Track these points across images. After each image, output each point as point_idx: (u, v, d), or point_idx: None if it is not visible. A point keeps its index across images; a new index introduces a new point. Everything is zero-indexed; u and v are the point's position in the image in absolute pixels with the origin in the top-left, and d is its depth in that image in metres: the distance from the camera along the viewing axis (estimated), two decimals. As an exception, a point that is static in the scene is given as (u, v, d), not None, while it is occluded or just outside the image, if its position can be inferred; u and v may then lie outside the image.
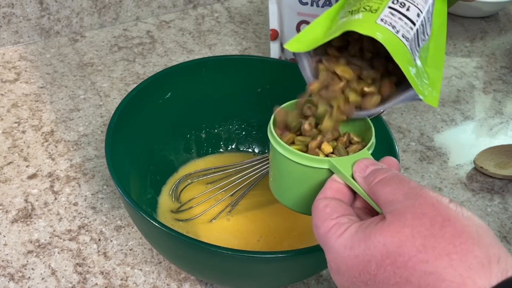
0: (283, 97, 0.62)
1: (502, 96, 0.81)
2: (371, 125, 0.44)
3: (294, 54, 0.46)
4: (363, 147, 0.42)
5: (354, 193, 0.39)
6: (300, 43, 0.44)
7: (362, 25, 0.39)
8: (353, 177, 0.38)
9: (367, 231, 0.33)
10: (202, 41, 0.84)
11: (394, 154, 0.51)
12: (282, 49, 0.73)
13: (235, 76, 0.61)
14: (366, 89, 0.43)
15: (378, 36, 0.39)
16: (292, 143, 0.43)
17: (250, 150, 0.65)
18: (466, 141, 0.73)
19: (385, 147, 0.53)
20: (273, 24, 0.71)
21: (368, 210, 0.38)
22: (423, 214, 0.32)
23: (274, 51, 0.74)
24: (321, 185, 0.39)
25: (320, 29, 0.45)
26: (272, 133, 0.43)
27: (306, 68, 0.46)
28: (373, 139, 0.43)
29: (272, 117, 0.45)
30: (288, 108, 0.46)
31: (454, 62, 0.86)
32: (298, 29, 0.69)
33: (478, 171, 0.68)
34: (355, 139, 0.44)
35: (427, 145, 0.71)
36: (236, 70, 0.61)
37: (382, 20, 0.39)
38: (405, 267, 0.31)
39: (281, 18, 0.70)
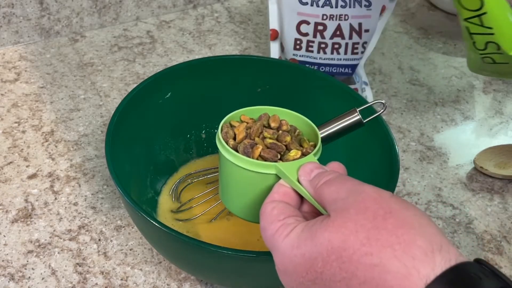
0: (283, 97, 0.63)
1: (502, 96, 0.81)
2: (318, 132, 0.45)
3: None
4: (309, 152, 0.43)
5: (301, 197, 0.39)
6: None
7: None
8: (299, 181, 0.39)
9: (313, 229, 0.33)
10: (202, 41, 0.84)
11: (394, 154, 0.51)
12: (282, 49, 0.73)
13: (235, 76, 0.61)
14: None
15: None
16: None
17: (250, 150, 0.65)
18: (466, 141, 0.73)
19: (385, 147, 0.53)
20: (273, 24, 0.71)
21: (315, 214, 0.39)
22: (365, 208, 0.32)
23: (274, 51, 0.73)
24: (268, 191, 0.40)
25: None
26: (220, 140, 0.43)
27: None
28: (319, 145, 0.43)
29: (220, 125, 0.45)
30: (233, 118, 0.46)
31: (454, 62, 0.86)
32: (298, 29, 0.69)
33: (478, 171, 0.68)
34: (306, 143, 0.45)
35: (427, 145, 0.71)
36: (236, 70, 0.61)
37: None
38: (350, 261, 0.31)
39: (281, 18, 0.70)
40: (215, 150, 0.64)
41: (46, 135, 0.67)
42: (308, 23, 0.69)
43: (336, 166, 0.40)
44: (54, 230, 0.57)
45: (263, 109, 0.47)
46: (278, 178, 0.41)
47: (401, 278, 0.29)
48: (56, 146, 0.66)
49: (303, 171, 0.39)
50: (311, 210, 0.39)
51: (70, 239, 0.56)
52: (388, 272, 0.30)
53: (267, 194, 0.40)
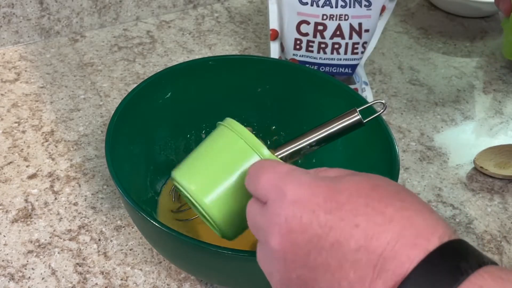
0: (283, 97, 0.63)
1: (502, 96, 0.81)
2: None
3: None
4: None
5: None
6: None
7: None
8: None
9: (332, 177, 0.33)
10: (202, 41, 0.84)
11: (394, 154, 0.51)
12: (282, 49, 0.73)
13: (235, 76, 0.61)
14: None
15: None
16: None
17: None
18: (466, 141, 0.73)
19: (385, 147, 0.53)
20: (273, 24, 0.71)
21: None
22: (380, 177, 0.33)
23: (274, 51, 0.73)
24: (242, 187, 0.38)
25: None
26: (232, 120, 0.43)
27: None
28: None
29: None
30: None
31: (454, 62, 0.86)
32: (298, 29, 0.69)
33: (478, 171, 0.68)
34: None
35: (427, 145, 0.71)
36: (236, 70, 0.61)
37: None
38: (387, 192, 0.31)
39: (281, 18, 0.70)
40: (215, 150, 0.65)
41: (46, 135, 0.67)
42: (308, 23, 0.69)
43: None
44: (54, 230, 0.57)
45: None
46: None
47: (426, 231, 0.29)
48: (56, 146, 0.66)
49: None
50: None
51: (70, 239, 0.56)
52: (423, 206, 0.31)
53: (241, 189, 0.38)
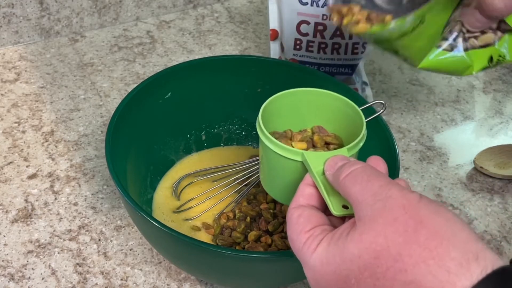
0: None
1: (502, 96, 0.81)
2: (363, 120, 0.44)
3: None
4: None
5: None
6: None
7: None
8: (325, 175, 0.38)
9: (339, 243, 0.33)
10: (202, 41, 0.84)
11: (394, 154, 0.51)
12: (282, 49, 0.73)
13: (235, 76, 0.61)
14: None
15: None
16: None
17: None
18: (466, 141, 0.73)
19: (385, 147, 0.53)
20: (273, 24, 0.71)
21: (341, 218, 0.38)
22: (394, 219, 0.31)
23: (274, 51, 0.74)
24: (299, 178, 0.40)
25: None
26: (259, 123, 0.44)
27: None
28: (358, 139, 0.43)
29: (261, 109, 0.46)
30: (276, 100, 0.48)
31: (454, 62, 0.86)
32: (298, 29, 0.69)
33: (478, 171, 0.68)
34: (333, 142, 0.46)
35: (427, 145, 0.71)
36: (236, 70, 0.61)
37: None
38: (384, 278, 0.30)
39: (281, 18, 0.70)
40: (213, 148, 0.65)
41: (46, 135, 0.67)
42: (308, 23, 0.69)
43: (375, 162, 0.38)
44: (54, 230, 0.57)
45: (305, 91, 0.48)
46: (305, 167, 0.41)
47: None
48: (56, 146, 0.66)
49: (328, 165, 0.38)
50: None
51: (70, 239, 0.56)
52: None
53: (297, 181, 0.39)
